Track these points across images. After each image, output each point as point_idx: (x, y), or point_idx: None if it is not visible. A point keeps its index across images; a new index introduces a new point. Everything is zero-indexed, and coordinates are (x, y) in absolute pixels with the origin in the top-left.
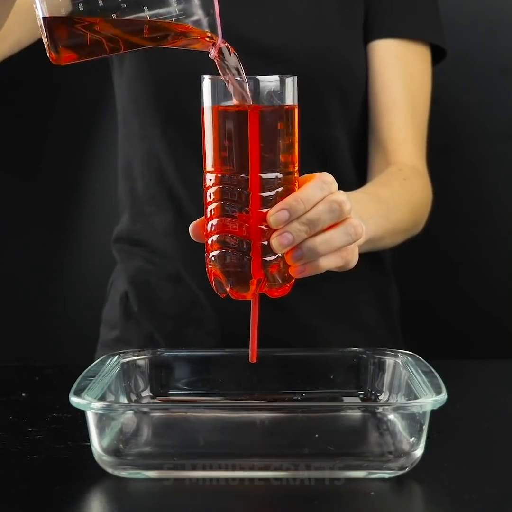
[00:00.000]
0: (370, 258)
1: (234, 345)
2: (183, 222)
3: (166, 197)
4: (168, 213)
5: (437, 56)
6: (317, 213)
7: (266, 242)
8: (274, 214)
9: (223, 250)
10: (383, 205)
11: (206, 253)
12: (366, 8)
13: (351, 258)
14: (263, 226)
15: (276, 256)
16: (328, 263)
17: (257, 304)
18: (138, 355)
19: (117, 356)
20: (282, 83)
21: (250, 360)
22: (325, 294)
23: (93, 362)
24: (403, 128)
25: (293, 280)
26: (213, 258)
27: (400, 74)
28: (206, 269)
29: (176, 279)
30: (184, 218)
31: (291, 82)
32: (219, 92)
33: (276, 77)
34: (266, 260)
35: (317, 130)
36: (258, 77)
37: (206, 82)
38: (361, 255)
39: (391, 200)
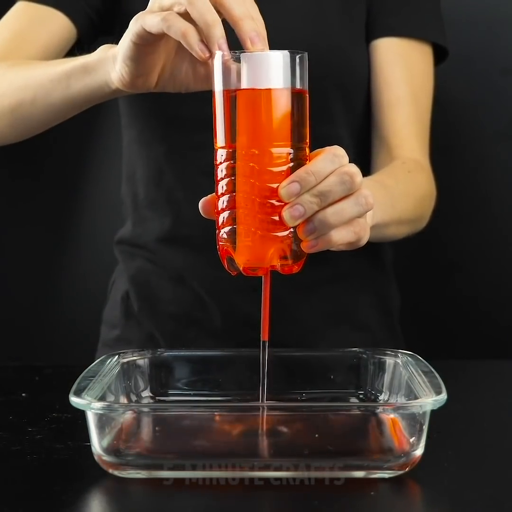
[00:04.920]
0: (370, 258)
1: (234, 345)
2: (181, 226)
3: (165, 201)
4: (167, 218)
5: (439, 57)
6: (329, 185)
7: (277, 218)
8: (285, 187)
9: (235, 226)
10: (388, 192)
11: (217, 231)
12: (368, 6)
13: (363, 234)
14: (274, 201)
15: (287, 232)
16: (340, 237)
17: (268, 282)
18: (138, 355)
19: (117, 356)
20: (293, 59)
21: (261, 338)
22: (326, 294)
23: (93, 362)
24: (406, 124)
25: (305, 257)
26: (224, 235)
27: (402, 72)
28: (217, 246)
29: (176, 279)
30: (182, 222)
31: (301, 59)
32: (229, 68)
33: (287, 52)
34: (277, 235)
35: (319, 129)
36: (268, 52)
37: (217, 56)
38: (362, 256)
39: (397, 189)
